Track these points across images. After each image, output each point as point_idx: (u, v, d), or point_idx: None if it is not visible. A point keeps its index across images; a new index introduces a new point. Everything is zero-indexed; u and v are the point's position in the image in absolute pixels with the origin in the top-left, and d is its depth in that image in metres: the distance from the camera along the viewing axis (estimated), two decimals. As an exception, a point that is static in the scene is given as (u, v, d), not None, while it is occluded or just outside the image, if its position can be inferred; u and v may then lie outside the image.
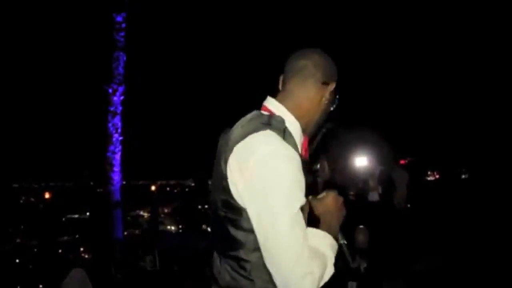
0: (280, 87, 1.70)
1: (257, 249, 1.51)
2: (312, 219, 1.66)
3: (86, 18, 8.56)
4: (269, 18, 13.12)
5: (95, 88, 8.51)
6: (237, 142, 1.51)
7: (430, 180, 16.13)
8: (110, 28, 8.15)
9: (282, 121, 1.56)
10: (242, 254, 1.56)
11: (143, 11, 8.46)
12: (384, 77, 14.27)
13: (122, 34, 8.19)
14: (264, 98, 1.67)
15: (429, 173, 16.19)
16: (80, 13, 8.58)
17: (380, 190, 5.82)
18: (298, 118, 1.63)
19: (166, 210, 16.15)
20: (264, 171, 1.45)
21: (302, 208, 1.49)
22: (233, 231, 1.53)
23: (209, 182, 1.77)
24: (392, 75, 14.10)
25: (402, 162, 9.50)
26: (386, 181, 6.13)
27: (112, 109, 8.30)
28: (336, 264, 1.63)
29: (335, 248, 1.60)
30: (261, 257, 1.50)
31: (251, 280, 1.56)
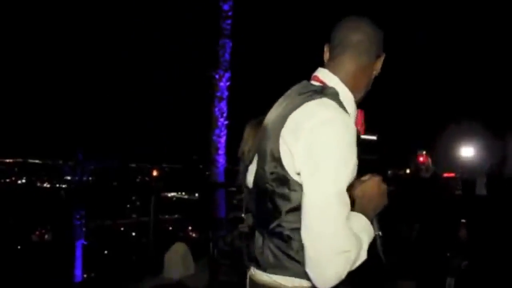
0: (327, 56, 1.63)
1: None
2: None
3: (195, 8, 8.93)
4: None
5: (203, 74, 8.91)
6: (292, 111, 1.44)
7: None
8: (217, 17, 8.47)
9: (336, 93, 1.49)
10: (289, 232, 1.46)
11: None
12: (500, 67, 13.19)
13: (229, 22, 8.45)
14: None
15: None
16: (190, 2, 8.98)
17: (485, 184, 5.42)
18: (351, 90, 1.55)
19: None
20: (320, 137, 1.37)
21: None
22: (282, 206, 1.45)
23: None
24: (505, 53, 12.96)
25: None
26: (496, 175, 5.69)
27: (218, 94, 8.62)
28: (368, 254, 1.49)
29: (370, 234, 1.48)
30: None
31: (297, 262, 1.45)
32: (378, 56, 1.60)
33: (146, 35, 12.51)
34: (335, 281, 1.33)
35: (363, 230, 1.45)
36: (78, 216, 6.13)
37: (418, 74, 15.22)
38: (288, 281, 1.48)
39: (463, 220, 4.56)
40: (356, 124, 1.57)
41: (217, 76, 8.57)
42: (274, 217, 1.47)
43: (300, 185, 1.41)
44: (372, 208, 1.55)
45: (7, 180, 31.88)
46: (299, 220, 1.41)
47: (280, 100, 1.59)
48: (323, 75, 1.58)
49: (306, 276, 1.41)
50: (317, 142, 1.37)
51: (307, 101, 1.44)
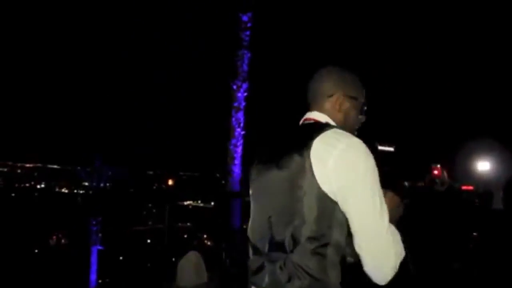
0: (311, 106, 1.78)
1: (334, 245, 1.51)
2: None
3: (215, 18, 9.04)
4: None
5: (221, 84, 8.99)
6: (312, 138, 1.54)
7: None
8: (236, 27, 8.55)
9: (335, 125, 1.63)
10: (319, 249, 1.53)
11: (268, 11, 8.72)
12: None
13: (248, 33, 8.53)
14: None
15: None
16: (210, 13, 9.09)
17: (502, 197, 5.35)
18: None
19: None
20: (352, 156, 1.50)
21: None
22: (315, 225, 1.52)
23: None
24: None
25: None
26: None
27: (235, 104, 8.68)
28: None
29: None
30: (337, 252, 1.51)
31: (318, 280, 1.50)
32: (353, 98, 1.75)
33: (166, 46, 12.68)
34: (391, 276, 1.50)
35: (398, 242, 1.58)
36: (94, 222, 6.20)
37: (438, 89, 15.15)
38: None
39: (474, 233, 4.53)
40: None
41: (234, 87, 8.64)
42: (296, 240, 1.53)
43: (333, 202, 1.51)
44: (392, 221, 1.68)
45: (27, 184, 32.39)
46: (331, 238, 1.52)
47: (269, 147, 1.73)
48: (314, 115, 1.74)
49: None
50: (350, 159, 1.50)
51: (322, 131, 1.57)
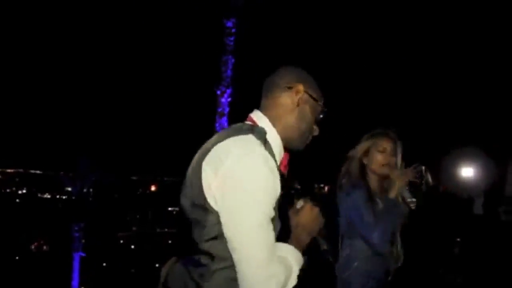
0: (261, 102, 1.71)
1: (220, 257, 1.45)
2: (287, 230, 1.63)
3: (199, 24, 9.05)
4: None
5: (205, 90, 8.99)
6: (216, 143, 1.50)
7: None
8: (220, 33, 8.57)
9: (264, 132, 1.55)
10: (203, 259, 1.48)
11: (252, 17, 8.76)
12: (499, 87, 13.35)
13: (232, 38, 8.55)
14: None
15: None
16: (194, 19, 9.10)
17: (482, 203, 5.47)
18: (279, 133, 1.60)
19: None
20: (238, 171, 1.41)
21: (272, 218, 1.44)
22: (198, 235, 1.48)
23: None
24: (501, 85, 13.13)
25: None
26: (494, 194, 5.74)
27: (219, 110, 8.69)
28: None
29: (300, 262, 1.56)
30: (223, 266, 1.45)
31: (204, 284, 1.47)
32: (289, 88, 1.64)
33: (150, 50, 12.63)
34: None
35: (293, 259, 1.52)
36: (77, 228, 6.14)
37: (430, 97, 15.37)
38: None
39: (458, 239, 4.61)
40: (280, 165, 1.64)
41: (218, 92, 8.64)
42: (193, 245, 1.50)
43: (218, 216, 1.43)
44: (307, 233, 1.64)
45: (8, 190, 31.88)
46: (214, 248, 1.45)
47: (214, 135, 1.67)
48: (255, 116, 1.67)
49: None
50: (235, 177, 1.41)
51: (232, 136, 1.51)
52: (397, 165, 3.10)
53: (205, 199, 1.47)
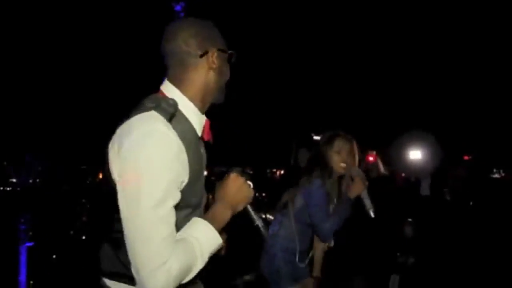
0: (169, 72, 1.67)
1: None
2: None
3: (145, 8, 8.82)
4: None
5: (155, 80, 8.74)
6: (122, 123, 1.50)
7: (495, 178, 15.43)
8: (169, 18, 8.38)
9: (173, 104, 1.53)
10: (120, 238, 1.51)
11: (201, 0, 8.62)
12: (446, 72, 13.84)
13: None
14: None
15: (494, 170, 15.49)
16: (141, 3, 8.86)
17: (429, 185, 5.68)
18: (192, 99, 1.57)
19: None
20: (135, 154, 1.39)
21: (178, 199, 1.43)
22: (115, 213, 1.52)
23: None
24: (455, 69, 13.63)
25: (465, 158, 9.14)
26: (439, 176, 5.97)
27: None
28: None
29: (214, 242, 1.51)
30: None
31: (125, 265, 1.52)
32: (204, 54, 1.61)
33: (97, 40, 12.25)
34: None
35: (204, 238, 1.49)
36: (23, 220, 5.90)
37: (380, 83, 15.71)
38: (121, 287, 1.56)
39: (409, 219, 4.77)
40: (203, 132, 1.63)
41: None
42: (110, 223, 1.56)
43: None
44: (238, 203, 1.63)
45: None
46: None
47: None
48: (165, 88, 1.64)
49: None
50: (131, 160, 1.41)
51: (135, 114, 1.51)
52: (356, 164, 3.22)
53: (113, 178, 1.48)
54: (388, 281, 4.43)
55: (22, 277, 5.82)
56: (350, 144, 3.31)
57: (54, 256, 8.14)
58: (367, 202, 3.06)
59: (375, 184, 5.89)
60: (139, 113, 1.50)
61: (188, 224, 1.52)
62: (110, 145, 1.51)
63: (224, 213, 1.59)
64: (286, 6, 12.89)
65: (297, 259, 3.28)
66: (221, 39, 1.70)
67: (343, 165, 3.24)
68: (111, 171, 1.49)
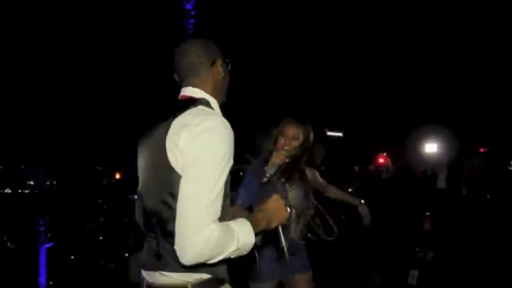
0: (180, 80, 1.87)
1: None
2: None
3: (157, 6, 8.88)
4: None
5: (165, 76, 8.79)
6: (174, 118, 1.61)
7: None
8: (179, 16, 8.43)
9: (207, 101, 1.73)
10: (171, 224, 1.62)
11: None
12: (461, 64, 13.68)
13: (191, 21, 8.41)
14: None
15: (511, 163, 15.27)
16: (151, 2, 8.92)
17: (445, 177, 5.61)
18: (216, 100, 1.83)
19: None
20: (198, 142, 1.52)
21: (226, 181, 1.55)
22: (173, 205, 1.57)
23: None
24: (470, 61, 13.47)
25: (481, 150, 9.05)
26: (456, 168, 5.90)
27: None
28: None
29: (248, 240, 1.60)
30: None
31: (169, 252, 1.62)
32: (213, 63, 1.85)
33: (106, 39, 12.32)
34: (195, 256, 1.47)
35: (242, 230, 1.60)
36: (42, 222, 5.98)
37: (388, 78, 15.61)
38: (188, 276, 1.63)
39: (427, 213, 4.72)
40: None
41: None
42: (168, 217, 1.61)
43: None
44: (273, 220, 1.75)
45: (-34, 187, 30.79)
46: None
47: (151, 128, 1.78)
48: (191, 91, 1.80)
49: (204, 270, 1.59)
50: (200, 146, 1.53)
51: (186, 109, 1.63)
52: (304, 147, 3.26)
53: (172, 167, 1.57)
54: (407, 276, 4.40)
55: (42, 279, 5.90)
56: (297, 129, 3.36)
57: (72, 257, 8.24)
58: (270, 170, 3.02)
59: (389, 183, 5.87)
60: (187, 110, 1.67)
61: (234, 218, 1.66)
62: (159, 144, 1.64)
63: (260, 222, 1.72)
64: (290, 6, 12.86)
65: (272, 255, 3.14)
66: (220, 51, 1.96)
67: (285, 148, 3.30)
68: (170, 165, 1.60)
